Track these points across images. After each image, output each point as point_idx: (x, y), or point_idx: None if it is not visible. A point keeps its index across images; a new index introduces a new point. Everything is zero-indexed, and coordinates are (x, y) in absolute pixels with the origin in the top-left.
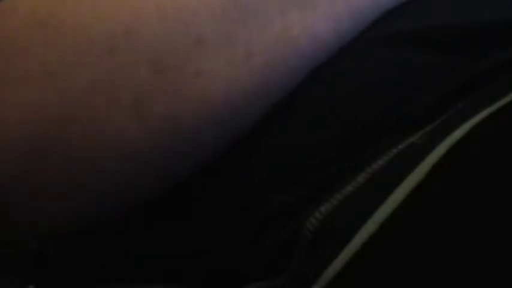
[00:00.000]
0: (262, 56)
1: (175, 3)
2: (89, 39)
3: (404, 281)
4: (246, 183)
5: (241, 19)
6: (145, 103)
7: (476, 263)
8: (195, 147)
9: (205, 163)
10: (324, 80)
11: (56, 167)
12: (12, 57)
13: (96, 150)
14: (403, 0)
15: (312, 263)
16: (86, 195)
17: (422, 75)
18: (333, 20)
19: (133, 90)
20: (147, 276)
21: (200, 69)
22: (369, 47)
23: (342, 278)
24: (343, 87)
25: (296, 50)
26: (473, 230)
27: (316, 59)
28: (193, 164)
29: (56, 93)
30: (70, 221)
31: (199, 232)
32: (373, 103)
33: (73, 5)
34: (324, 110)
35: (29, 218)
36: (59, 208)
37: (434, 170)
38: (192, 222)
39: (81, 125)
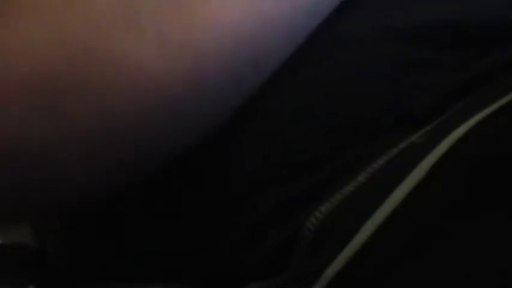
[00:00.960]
0: None
1: None
2: None
3: (404, 281)
4: (241, 174)
5: None
6: (165, 29)
7: (476, 263)
8: (215, 83)
9: (217, 115)
10: (316, 67)
11: (72, 108)
12: None
13: (115, 82)
14: None
15: (312, 263)
16: (102, 137)
17: (421, 74)
18: None
19: (153, 15)
20: (147, 276)
21: None
22: (365, 39)
23: (342, 278)
24: (335, 78)
25: None
26: (473, 230)
27: None
28: (204, 116)
29: (76, 19)
30: (81, 181)
31: (199, 230)
32: (367, 98)
33: None
34: (315, 99)
35: (41, 170)
36: (71, 159)
37: (434, 169)
38: (191, 220)
39: (101, 52)
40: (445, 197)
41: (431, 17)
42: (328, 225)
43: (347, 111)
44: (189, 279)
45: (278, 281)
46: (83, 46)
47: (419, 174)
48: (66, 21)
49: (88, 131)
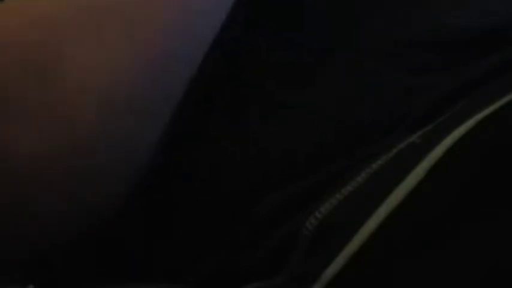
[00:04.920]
0: None
1: None
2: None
3: (404, 280)
4: (240, 175)
5: None
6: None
7: (475, 262)
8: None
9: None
10: (315, 75)
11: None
12: None
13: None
14: None
15: (311, 262)
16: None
17: (421, 75)
18: None
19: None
20: (147, 276)
21: None
22: (367, 43)
23: (342, 278)
24: (335, 79)
25: None
26: (472, 229)
27: None
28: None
29: None
30: (72, 222)
31: (199, 231)
32: (367, 98)
33: None
34: (315, 100)
35: (38, 218)
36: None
37: (433, 169)
38: (191, 222)
39: None
40: (445, 197)
41: (432, 22)
42: (327, 226)
43: (347, 112)
44: (189, 279)
45: (278, 281)
46: None
47: (418, 175)
48: None
49: None
